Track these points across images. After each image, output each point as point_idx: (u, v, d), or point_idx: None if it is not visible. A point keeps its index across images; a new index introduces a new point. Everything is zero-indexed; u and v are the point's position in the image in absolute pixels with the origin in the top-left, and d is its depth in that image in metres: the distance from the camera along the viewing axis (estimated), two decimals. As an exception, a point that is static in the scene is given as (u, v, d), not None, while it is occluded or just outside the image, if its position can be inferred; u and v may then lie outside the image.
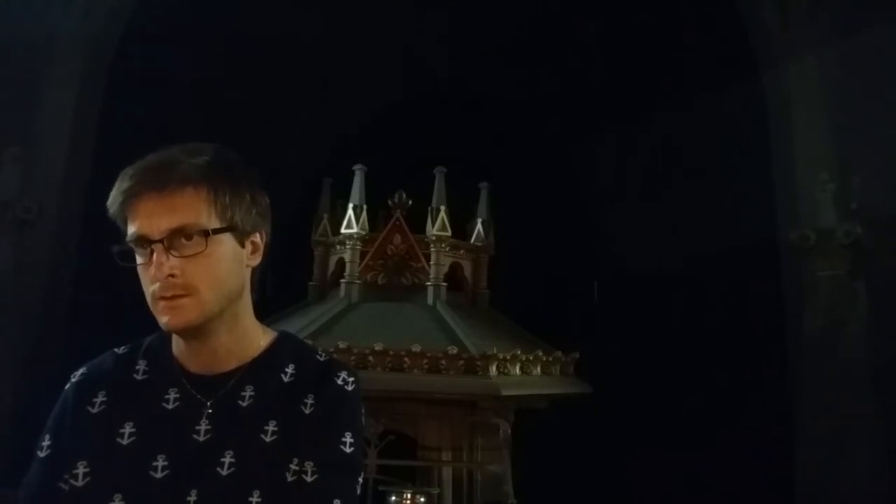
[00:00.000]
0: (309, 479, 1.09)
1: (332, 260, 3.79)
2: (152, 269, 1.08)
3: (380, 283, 3.63)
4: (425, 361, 3.12)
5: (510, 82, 5.51)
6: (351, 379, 1.20)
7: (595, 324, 5.08)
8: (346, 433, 1.14)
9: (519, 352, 3.26)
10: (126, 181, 1.10)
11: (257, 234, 1.19)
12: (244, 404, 1.15)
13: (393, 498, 2.96)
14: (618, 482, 4.46)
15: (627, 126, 5.09)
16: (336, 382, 1.19)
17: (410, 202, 3.69)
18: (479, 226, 3.82)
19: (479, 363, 3.11)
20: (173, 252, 1.08)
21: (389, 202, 3.70)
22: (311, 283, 3.82)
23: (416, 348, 3.11)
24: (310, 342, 1.40)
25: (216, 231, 1.11)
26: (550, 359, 3.47)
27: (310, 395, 1.16)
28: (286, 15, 5.09)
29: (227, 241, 1.13)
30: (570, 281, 5.46)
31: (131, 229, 1.10)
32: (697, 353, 4.59)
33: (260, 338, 1.22)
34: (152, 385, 1.17)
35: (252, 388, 1.16)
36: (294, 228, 3.72)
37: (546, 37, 5.32)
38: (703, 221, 4.58)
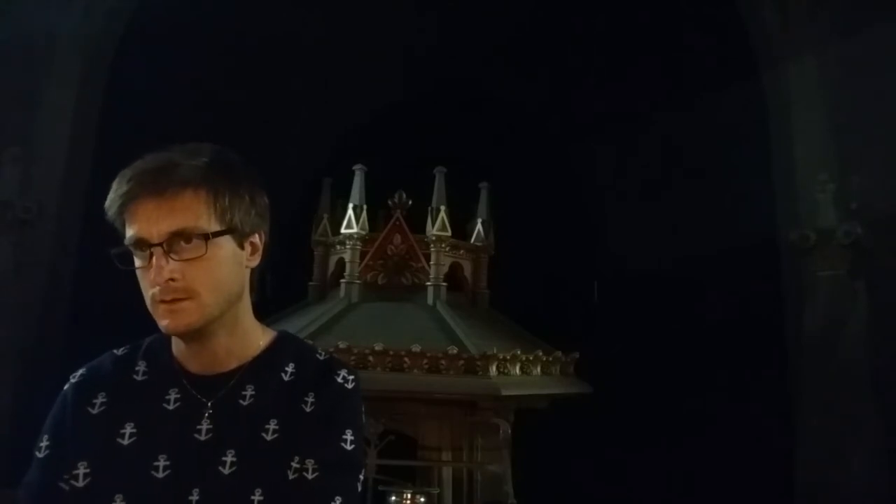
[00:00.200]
0: (310, 477, 1.10)
1: (332, 260, 3.79)
2: (152, 273, 1.08)
3: (380, 283, 3.64)
4: (425, 361, 3.12)
5: (510, 82, 5.50)
6: (351, 377, 1.21)
7: (595, 324, 5.07)
8: (347, 431, 1.15)
9: (519, 352, 3.27)
10: (124, 184, 1.09)
11: (257, 235, 1.18)
12: (245, 404, 1.15)
13: (393, 498, 2.96)
14: (618, 482, 4.46)
15: (627, 126, 5.08)
16: (336, 381, 1.19)
17: (410, 202, 3.69)
18: (479, 226, 3.83)
19: (479, 363, 3.11)
20: (173, 255, 1.07)
21: (389, 202, 3.70)
22: (311, 283, 3.83)
23: (416, 348, 3.11)
24: (309, 342, 1.40)
25: (216, 234, 1.10)
26: (550, 359, 3.47)
27: (310, 394, 1.16)
28: (286, 15, 5.08)
29: (226, 244, 1.12)
30: (570, 281, 5.45)
31: (130, 232, 1.09)
32: (697, 353, 4.58)
33: (260, 337, 1.22)
34: (152, 386, 1.17)
35: (252, 387, 1.16)
36: (294, 228, 3.72)
37: (546, 37, 5.31)
38: (703, 221, 4.57)
